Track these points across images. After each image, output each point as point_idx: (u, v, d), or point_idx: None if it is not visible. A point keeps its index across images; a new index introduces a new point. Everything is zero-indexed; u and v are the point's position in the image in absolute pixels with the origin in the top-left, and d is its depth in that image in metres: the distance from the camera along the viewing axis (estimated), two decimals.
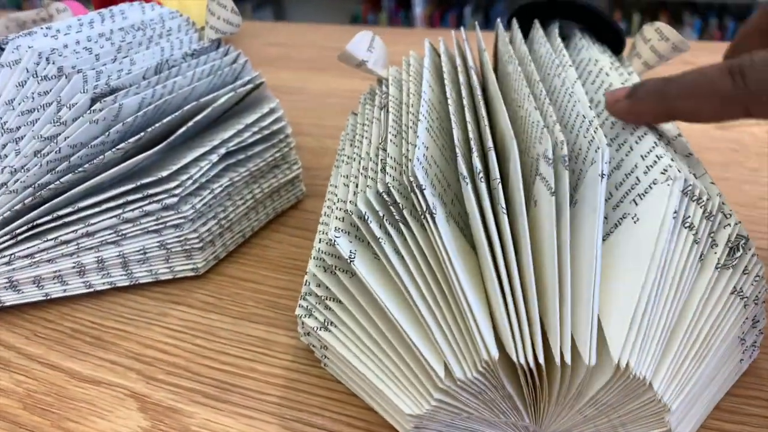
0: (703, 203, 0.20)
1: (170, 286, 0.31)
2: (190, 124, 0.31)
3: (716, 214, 0.21)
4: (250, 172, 0.33)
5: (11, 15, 0.46)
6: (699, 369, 0.22)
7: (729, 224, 0.21)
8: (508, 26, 0.32)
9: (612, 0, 2.07)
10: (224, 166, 0.32)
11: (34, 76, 0.28)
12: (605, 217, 0.21)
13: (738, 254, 0.22)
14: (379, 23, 2.33)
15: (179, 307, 0.30)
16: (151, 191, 0.29)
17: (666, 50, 0.28)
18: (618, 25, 0.29)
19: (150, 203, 0.29)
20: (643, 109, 0.23)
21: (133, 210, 0.29)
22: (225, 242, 0.32)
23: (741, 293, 0.22)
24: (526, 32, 0.33)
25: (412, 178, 0.21)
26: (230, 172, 0.32)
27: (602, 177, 0.19)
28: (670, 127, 0.25)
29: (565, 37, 0.31)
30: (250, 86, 0.34)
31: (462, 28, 0.32)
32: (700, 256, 0.21)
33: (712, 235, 0.21)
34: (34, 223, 0.28)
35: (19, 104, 0.28)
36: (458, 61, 0.28)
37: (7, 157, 0.28)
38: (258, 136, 0.34)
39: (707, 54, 0.59)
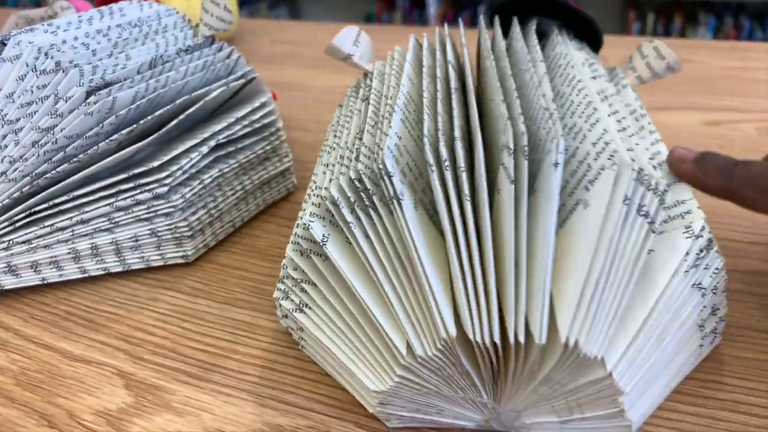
0: (660, 192, 0.21)
1: (161, 272, 0.32)
2: (181, 116, 0.32)
3: (676, 205, 0.22)
4: (239, 163, 0.34)
5: (21, 12, 0.48)
6: (654, 353, 0.22)
7: (688, 216, 0.22)
8: (491, 23, 0.33)
9: (627, 0, 2.06)
10: (214, 158, 0.33)
11: (34, 70, 0.30)
12: (562, 204, 0.22)
13: (701, 255, 0.23)
14: (394, 22, 2.34)
15: (169, 292, 0.31)
16: (143, 181, 0.30)
17: (661, 68, 0.29)
18: (595, 22, 0.30)
19: (142, 192, 0.30)
20: (708, 182, 0.24)
21: (125, 199, 0.30)
22: (215, 231, 0.34)
23: (700, 285, 0.23)
24: (508, 29, 0.34)
25: (381, 166, 0.22)
26: (220, 163, 0.34)
27: (556, 166, 0.20)
28: (647, 122, 0.26)
29: (544, 34, 0.32)
30: (242, 81, 0.36)
31: (445, 26, 0.33)
32: None
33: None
34: (32, 211, 0.29)
35: (19, 97, 0.29)
36: (438, 56, 0.29)
37: (6, 147, 0.29)
38: (248, 129, 0.35)
39: (708, 52, 0.60)
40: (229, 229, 0.35)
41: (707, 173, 0.24)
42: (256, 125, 0.35)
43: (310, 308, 0.25)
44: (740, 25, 1.93)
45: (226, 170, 0.34)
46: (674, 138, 0.44)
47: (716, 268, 0.23)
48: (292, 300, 0.25)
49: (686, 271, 0.22)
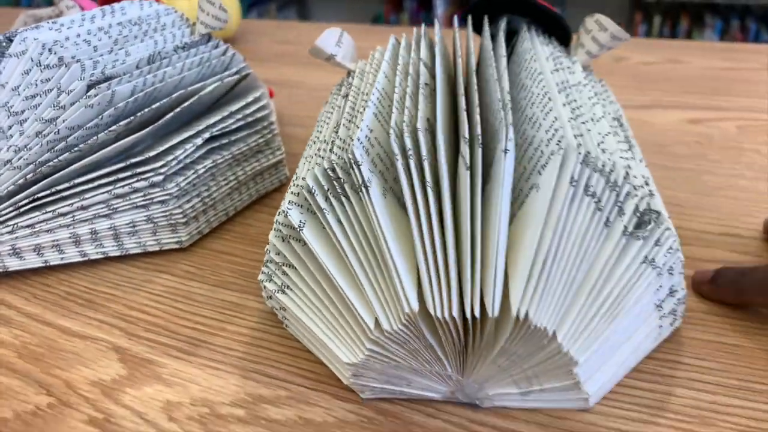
0: (606, 174, 0.22)
1: (157, 256, 0.34)
2: (177, 110, 0.34)
3: (622, 185, 0.23)
4: (233, 155, 0.36)
5: (29, 11, 0.50)
6: (609, 328, 0.24)
7: (637, 195, 0.24)
8: (463, 23, 0.35)
9: (632, 2, 2.07)
10: (208, 149, 0.35)
11: (38, 65, 0.31)
12: (519, 190, 0.24)
13: (649, 227, 0.24)
14: (401, 24, 2.36)
15: (163, 275, 0.33)
16: (140, 170, 0.32)
17: (606, 39, 0.30)
18: (563, 19, 0.32)
19: (138, 180, 0.32)
20: (723, 296, 0.29)
21: (123, 186, 0.32)
22: (208, 219, 0.36)
23: (653, 263, 0.25)
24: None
25: (350, 156, 0.24)
26: (214, 154, 0.36)
27: (506, 153, 0.22)
28: (614, 109, 0.28)
29: (514, 31, 0.34)
30: (237, 77, 0.38)
31: (422, 26, 0.35)
32: (606, 221, 0.23)
33: (618, 204, 0.23)
34: (35, 197, 0.31)
35: (24, 90, 0.31)
36: (412, 54, 0.30)
37: (12, 137, 0.31)
38: (242, 122, 0.37)
39: (698, 53, 0.61)
40: (223, 218, 0.37)
41: (722, 291, 0.28)
42: (250, 119, 0.37)
43: (290, 289, 0.27)
44: (746, 27, 1.93)
45: (220, 161, 0.36)
46: (657, 135, 0.45)
47: (669, 248, 0.25)
48: (275, 282, 0.27)
49: (628, 234, 0.23)
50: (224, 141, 0.36)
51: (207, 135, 0.35)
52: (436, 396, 0.25)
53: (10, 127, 0.31)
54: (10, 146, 0.31)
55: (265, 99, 0.39)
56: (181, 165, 0.33)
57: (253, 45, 0.71)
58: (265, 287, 0.28)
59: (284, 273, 0.27)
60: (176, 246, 0.34)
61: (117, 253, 0.34)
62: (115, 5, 0.37)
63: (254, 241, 0.35)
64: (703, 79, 0.55)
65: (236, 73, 0.38)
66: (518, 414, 0.25)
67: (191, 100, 0.35)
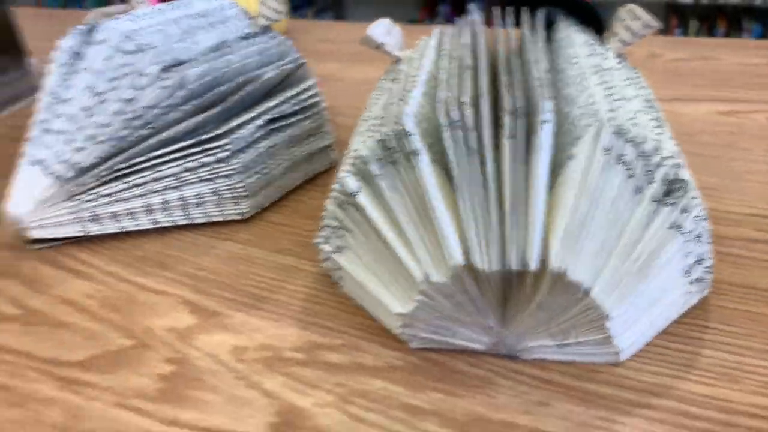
0: (637, 144, 0.25)
1: (220, 226, 0.37)
2: (241, 93, 0.37)
3: (652, 155, 0.25)
4: (288, 137, 0.39)
5: (98, 10, 0.54)
6: (639, 287, 0.26)
7: (665, 165, 0.26)
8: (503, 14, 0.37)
9: (668, 6, 2.06)
10: (268, 130, 0.38)
11: (118, 51, 0.35)
12: (557, 161, 0.26)
13: (678, 194, 0.27)
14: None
15: (226, 242, 0.36)
16: (208, 146, 0.35)
17: (638, 28, 0.33)
18: (597, 10, 0.34)
19: (206, 156, 0.35)
20: None
21: (193, 161, 0.35)
22: (267, 194, 0.39)
23: (680, 228, 0.27)
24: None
25: (402, 127, 0.27)
26: (273, 135, 0.39)
27: (544, 123, 0.24)
28: (646, 93, 0.30)
29: (551, 22, 0.36)
30: (292, 65, 0.41)
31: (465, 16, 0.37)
32: (636, 188, 0.25)
33: (648, 172, 0.26)
34: (115, 169, 0.35)
35: (106, 73, 0.35)
36: (457, 41, 0.33)
37: (95, 115, 0.35)
38: (297, 107, 0.40)
39: (731, 50, 0.62)
40: (279, 194, 0.40)
41: None
42: (304, 104, 0.40)
43: (345, 250, 0.29)
44: None
45: (278, 142, 0.39)
46: (688, 125, 0.47)
47: (696, 215, 0.27)
48: (331, 244, 0.30)
49: (657, 200, 0.25)
50: (281, 124, 0.39)
51: (267, 117, 0.38)
52: (478, 347, 0.28)
53: (94, 107, 0.35)
54: (94, 123, 0.34)
55: (316, 87, 0.42)
56: (244, 143, 0.37)
57: (298, 42, 0.75)
58: (322, 250, 0.31)
59: (339, 236, 0.30)
60: (238, 217, 0.37)
61: (184, 222, 0.37)
62: (176, 2, 0.41)
63: (307, 215, 0.38)
64: (735, 74, 0.56)
65: (291, 62, 0.41)
66: (554, 366, 0.27)
67: (253, 85, 0.38)
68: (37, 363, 0.28)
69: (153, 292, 0.32)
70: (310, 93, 0.41)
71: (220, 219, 0.37)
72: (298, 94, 0.40)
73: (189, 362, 0.28)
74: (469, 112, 0.27)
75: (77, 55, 0.36)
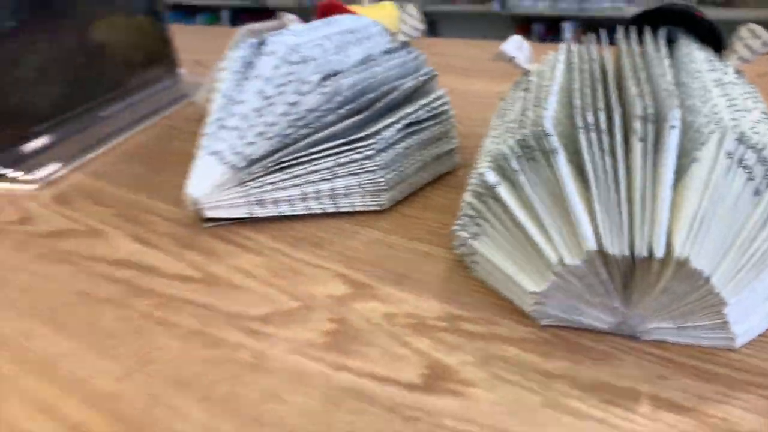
0: (758, 150, 0.28)
1: (361, 215, 0.43)
2: (385, 100, 0.42)
3: None
4: (421, 139, 0.44)
5: (249, 26, 0.61)
6: (756, 279, 0.29)
7: None
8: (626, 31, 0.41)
9: None
10: (405, 133, 0.43)
11: (286, 61, 0.41)
12: (681, 165, 0.30)
13: None
14: None
15: (368, 229, 0.41)
16: (357, 145, 0.41)
17: (757, 46, 0.35)
18: (717, 28, 0.37)
19: (355, 153, 0.41)
20: None
21: (343, 157, 0.41)
22: (401, 189, 0.44)
23: None
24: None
25: (542, 128, 0.31)
26: (409, 138, 0.44)
27: (672, 129, 0.28)
28: (762, 106, 0.33)
29: (673, 40, 0.39)
30: (426, 77, 0.46)
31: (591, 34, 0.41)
32: (756, 191, 0.28)
33: (767, 177, 0.28)
34: (279, 161, 0.41)
35: (274, 80, 0.41)
36: (584, 56, 0.37)
37: (264, 115, 0.41)
38: (429, 114, 0.45)
39: None
40: (411, 190, 0.45)
41: None
42: (435, 111, 0.45)
43: (482, 236, 0.34)
44: None
45: (413, 143, 0.44)
46: None
47: None
48: (469, 231, 0.34)
49: None
50: (416, 128, 0.44)
51: (405, 122, 0.43)
52: (603, 326, 0.31)
53: (263, 108, 0.41)
54: (264, 122, 0.41)
55: (446, 97, 0.46)
56: (385, 144, 0.42)
57: None
58: (459, 236, 0.35)
59: (476, 224, 0.34)
60: (377, 208, 0.42)
61: (331, 210, 0.42)
62: (331, 19, 0.47)
63: (435, 209, 0.43)
64: None
65: (425, 74, 0.46)
66: (673, 347, 0.30)
67: (394, 94, 0.43)
68: (223, 316, 0.34)
69: (311, 265, 0.38)
70: (441, 101, 0.46)
71: (362, 209, 0.42)
72: (430, 102, 0.45)
73: (348, 323, 0.33)
74: (602, 117, 0.30)
75: (249, 64, 0.43)
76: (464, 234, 0.35)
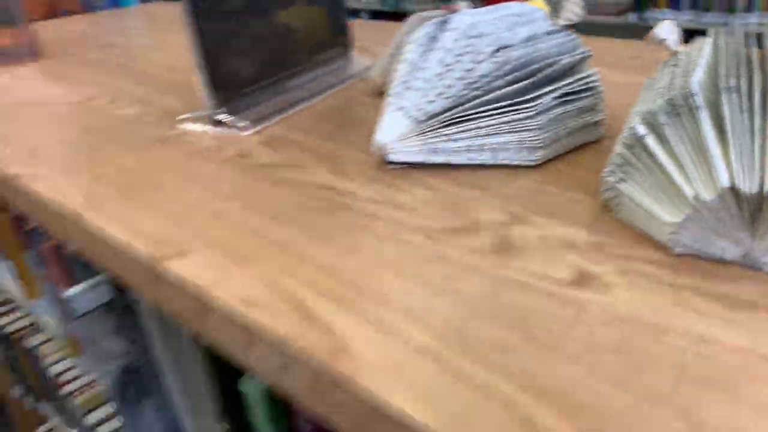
0: None
1: (517, 169, 0.50)
2: (546, 71, 0.50)
3: None
4: (573, 109, 0.51)
5: (419, 14, 0.71)
6: None
7: None
8: None
9: None
10: (560, 102, 0.51)
11: (465, 35, 0.50)
12: None
13: None
14: None
15: (522, 178, 0.49)
16: (520, 107, 0.49)
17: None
18: None
19: (518, 113, 0.49)
20: None
21: (507, 117, 0.49)
22: (554, 149, 0.51)
23: None
24: None
25: (689, 89, 0.37)
26: (563, 106, 0.51)
27: None
28: None
29: None
30: (581, 55, 0.53)
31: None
32: None
33: None
34: (453, 117, 0.49)
35: (454, 51, 0.50)
36: (732, 41, 0.43)
37: (444, 80, 0.50)
38: (582, 87, 0.52)
39: None
40: (561, 151, 0.52)
41: None
42: (586, 85, 0.52)
43: (628, 181, 0.40)
44: None
45: (566, 111, 0.51)
46: None
47: None
48: (616, 177, 0.41)
49: None
50: (570, 98, 0.51)
51: (561, 92, 0.50)
52: (730, 257, 0.37)
53: (443, 73, 0.50)
54: (442, 84, 0.49)
55: (598, 74, 0.53)
56: (544, 108, 0.49)
57: None
58: (607, 182, 0.42)
59: (624, 171, 0.41)
60: (531, 163, 0.50)
61: (491, 162, 0.50)
62: (500, 5, 0.55)
63: (583, 167, 0.50)
64: None
65: (580, 53, 0.53)
66: None
67: (554, 67, 0.50)
68: (410, 227, 0.43)
69: (474, 200, 0.46)
70: (592, 78, 0.53)
71: (518, 163, 0.50)
72: (583, 78, 0.52)
73: (509, 239, 0.40)
74: (744, 82, 0.36)
75: (433, 39, 0.52)
76: (612, 179, 0.42)
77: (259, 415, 0.53)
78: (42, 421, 1.54)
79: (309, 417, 0.50)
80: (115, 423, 1.04)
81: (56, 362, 1.19)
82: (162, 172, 0.54)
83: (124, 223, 0.46)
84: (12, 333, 1.29)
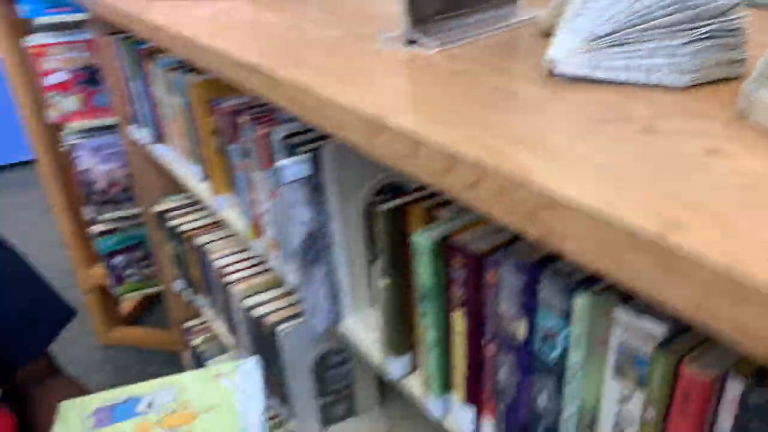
0: None
1: (665, 89, 0.61)
2: (700, 8, 0.60)
3: None
4: (722, 43, 0.61)
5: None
6: None
7: None
8: None
9: None
10: (711, 35, 0.60)
11: None
12: None
13: None
14: None
15: (669, 94, 0.59)
16: (676, 35, 0.59)
17: None
18: None
19: (673, 40, 0.59)
20: None
21: (664, 42, 0.59)
22: (700, 75, 0.61)
23: None
24: None
25: None
26: (713, 39, 0.60)
27: None
28: None
29: None
30: (732, 2, 0.62)
31: None
32: None
33: None
34: (616, 40, 0.61)
35: None
36: None
37: (611, 9, 0.61)
38: (731, 27, 0.61)
39: None
40: (705, 80, 0.61)
41: None
42: (736, 26, 0.61)
43: (764, 88, 0.50)
44: None
45: (715, 44, 0.60)
46: None
47: None
48: (754, 85, 0.51)
49: None
50: (720, 33, 0.61)
51: (712, 27, 0.60)
52: None
53: (611, 5, 0.61)
54: (610, 11, 0.61)
55: (747, 18, 0.62)
56: (697, 38, 0.59)
57: None
58: (745, 90, 0.52)
59: (761, 82, 0.51)
60: (679, 85, 0.60)
61: (644, 81, 0.61)
62: None
63: (724, 92, 0.59)
64: None
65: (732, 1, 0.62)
66: None
67: (707, 6, 0.60)
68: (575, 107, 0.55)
69: (627, 104, 0.57)
70: (741, 20, 0.62)
71: (667, 84, 0.61)
72: (734, 19, 0.61)
73: (656, 128, 0.52)
74: None
75: None
76: (751, 87, 0.51)
77: (424, 264, 0.67)
78: (197, 314, 1.80)
79: (462, 264, 0.64)
80: (268, 308, 1.23)
81: (223, 257, 1.41)
82: (370, 70, 0.69)
83: (346, 96, 0.61)
84: (185, 232, 1.53)
